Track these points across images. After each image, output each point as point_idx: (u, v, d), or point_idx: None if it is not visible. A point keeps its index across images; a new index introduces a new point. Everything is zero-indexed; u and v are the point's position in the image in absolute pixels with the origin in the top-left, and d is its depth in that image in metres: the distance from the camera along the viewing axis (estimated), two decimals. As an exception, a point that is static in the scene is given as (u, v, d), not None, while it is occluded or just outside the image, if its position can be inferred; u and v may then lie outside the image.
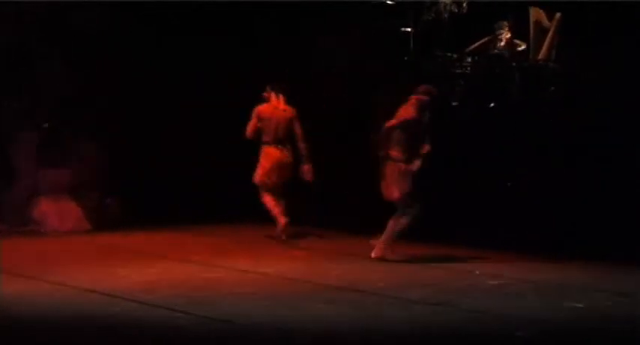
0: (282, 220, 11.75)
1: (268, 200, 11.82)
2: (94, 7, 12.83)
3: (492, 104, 12.24)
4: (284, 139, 11.89)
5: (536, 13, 12.53)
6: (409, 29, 13.01)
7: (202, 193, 13.03)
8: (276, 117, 11.90)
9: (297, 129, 11.84)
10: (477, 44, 12.88)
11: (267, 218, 12.03)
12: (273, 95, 11.96)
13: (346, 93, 13.09)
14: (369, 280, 9.68)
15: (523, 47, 12.70)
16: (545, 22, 12.47)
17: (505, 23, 12.79)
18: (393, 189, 10.53)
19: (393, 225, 10.55)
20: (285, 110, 11.92)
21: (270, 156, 11.89)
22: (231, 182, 12.74)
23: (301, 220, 12.30)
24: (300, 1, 13.15)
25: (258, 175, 11.91)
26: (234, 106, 12.79)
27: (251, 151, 12.31)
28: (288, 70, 13.08)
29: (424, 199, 10.51)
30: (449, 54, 12.77)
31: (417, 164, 10.56)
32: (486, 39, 12.90)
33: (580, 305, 8.72)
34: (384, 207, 10.71)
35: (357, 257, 10.83)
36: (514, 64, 12.51)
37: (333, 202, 12.67)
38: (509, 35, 12.70)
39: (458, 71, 12.68)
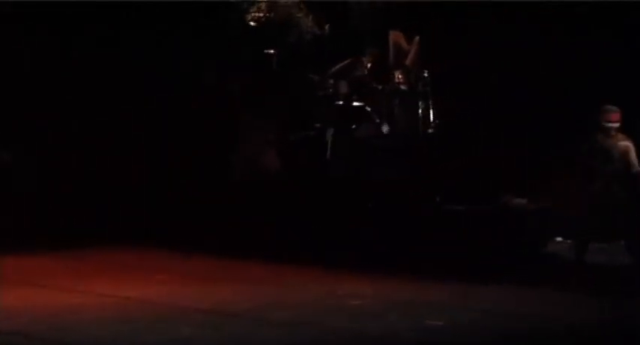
0: None
1: None
2: None
3: (354, 126, 12.43)
4: None
5: (395, 37, 12.77)
6: (272, 51, 13.10)
7: (67, 216, 12.83)
8: None
9: None
10: (339, 66, 13.04)
11: (131, 241, 11.95)
12: None
13: (210, 114, 13.09)
14: (233, 303, 9.66)
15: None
16: (405, 45, 12.72)
17: (372, 50, 12.99)
18: None
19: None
20: None
21: None
22: (96, 205, 12.67)
23: (165, 244, 12.25)
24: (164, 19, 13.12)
25: None
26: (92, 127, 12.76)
27: (114, 172, 12.20)
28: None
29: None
30: (311, 76, 12.90)
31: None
32: (348, 61, 13.07)
33: (440, 323, 8.87)
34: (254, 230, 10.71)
35: (222, 280, 10.81)
36: (378, 87, 12.72)
37: (198, 224, 12.65)
38: (370, 63, 12.89)
39: (321, 93, 12.82)
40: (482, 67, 12.20)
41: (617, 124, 11.07)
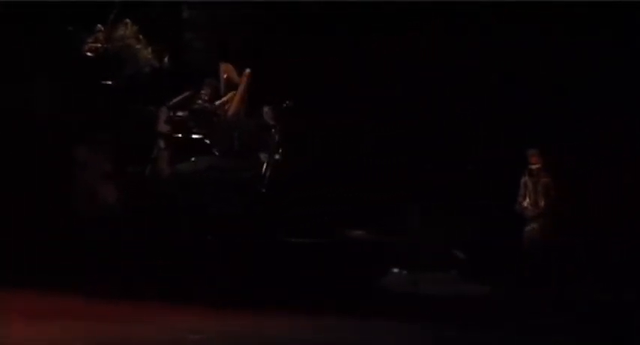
0: None
1: None
2: None
3: (193, 159, 12.41)
4: None
5: (226, 69, 12.85)
6: (110, 82, 12.96)
7: None
8: None
9: None
10: (178, 98, 12.99)
11: None
12: None
13: (44, 144, 12.85)
14: (68, 341, 9.41)
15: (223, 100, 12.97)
16: (235, 77, 12.79)
17: (211, 81, 13.00)
18: None
19: None
20: None
21: None
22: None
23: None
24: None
25: None
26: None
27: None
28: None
29: None
30: (150, 108, 12.81)
31: None
32: (187, 93, 13.04)
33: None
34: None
35: (57, 317, 10.51)
36: (216, 119, 12.74)
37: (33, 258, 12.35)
38: (208, 95, 12.89)
39: (159, 125, 12.74)
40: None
41: (537, 165, 12.18)
